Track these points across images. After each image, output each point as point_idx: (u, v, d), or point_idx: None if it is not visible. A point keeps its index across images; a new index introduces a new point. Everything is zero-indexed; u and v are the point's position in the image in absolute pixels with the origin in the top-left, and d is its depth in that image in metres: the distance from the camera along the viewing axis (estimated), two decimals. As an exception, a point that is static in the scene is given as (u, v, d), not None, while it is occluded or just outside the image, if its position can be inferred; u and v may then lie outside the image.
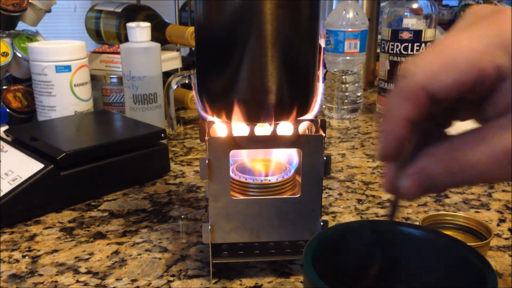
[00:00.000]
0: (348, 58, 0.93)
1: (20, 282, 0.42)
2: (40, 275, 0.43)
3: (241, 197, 0.41)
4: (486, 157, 0.22)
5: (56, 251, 0.47)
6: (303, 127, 0.42)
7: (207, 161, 0.39)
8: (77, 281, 0.42)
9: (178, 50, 0.94)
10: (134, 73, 0.72)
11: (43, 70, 0.71)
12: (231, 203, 0.40)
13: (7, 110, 0.78)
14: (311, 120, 0.43)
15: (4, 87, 0.82)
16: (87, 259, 0.46)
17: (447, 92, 0.23)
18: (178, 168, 0.69)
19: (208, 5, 0.38)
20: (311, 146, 0.39)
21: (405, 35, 0.82)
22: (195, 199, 0.59)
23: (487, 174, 0.23)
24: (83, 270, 0.44)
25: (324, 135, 0.40)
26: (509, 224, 0.52)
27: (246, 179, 0.42)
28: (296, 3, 0.37)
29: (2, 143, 0.60)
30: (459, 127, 0.27)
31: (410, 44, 0.82)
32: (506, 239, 0.49)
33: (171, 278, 0.43)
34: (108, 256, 0.46)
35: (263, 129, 0.41)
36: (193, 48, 1.17)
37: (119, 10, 0.95)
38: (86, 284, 0.42)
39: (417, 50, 0.82)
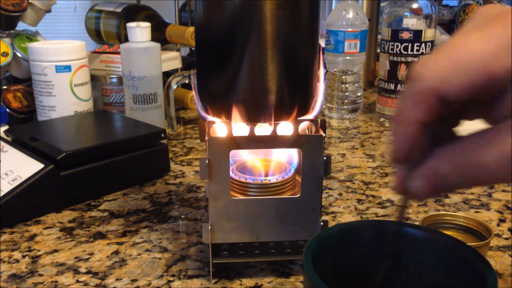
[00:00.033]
0: (348, 58, 0.93)
1: (20, 282, 0.42)
2: (40, 275, 0.43)
3: (241, 197, 0.41)
4: (496, 159, 0.23)
5: (56, 251, 0.47)
6: (303, 127, 0.42)
7: (207, 161, 0.39)
8: (77, 281, 0.42)
9: (178, 50, 0.94)
10: (134, 73, 0.72)
11: (43, 70, 0.71)
12: (231, 203, 0.40)
13: (7, 110, 0.78)
14: (311, 120, 0.43)
15: (4, 87, 0.82)
16: (87, 259, 0.46)
17: (459, 94, 0.23)
18: (178, 168, 0.69)
19: (208, 5, 0.38)
20: (311, 146, 0.39)
21: (405, 35, 0.82)
22: (195, 199, 0.59)
23: (497, 175, 0.23)
24: (83, 270, 0.44)
25: (324, 135, 0.40)
26: (509, 224, 0.52)
27: (246, 179, 0.42)
28: (296, 3, 0.37)
29: (2, 143, 0.60)
30: (467, 126, 0.27)
31: (410, 44, 0.82)
32: (506, 239, 0.49)
33: (171, 278, 0.43)
34: (108, 256, 0.46)
35: (263, 129, 0.41)
36: (193, 48, 1.17)
37: (119, 10, 0.95)
38: (86, 284, 0.42)
39: (417, 50, 0.82)
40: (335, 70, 0.95)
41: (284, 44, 0.38)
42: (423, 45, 0.82)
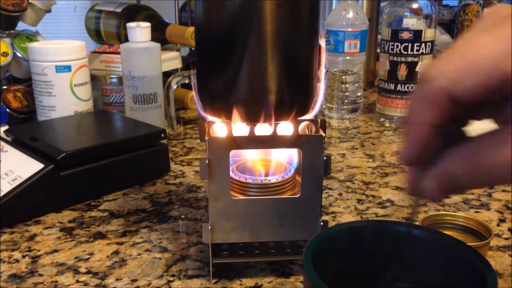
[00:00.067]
0: (348, 58, 0.93)
1: (20, 282, 0.42)
2: (40, 275, 0.43)
3: (241, 197, 0.41)
4: (508, 159, 0.23)
5: (56, 251, 0.47)
6: (303, 127, 0.42)
7: (207, 161, 0.39)
8: (77, 281, 0.42)
9: (178, 50, 0.94)
10: (134, 73, 0.72)
11: (43, 70, 0.71)
12: (231, 203, 0.40)
13: (7, 110, 0.78)
14: (311, 120, 0.43)
15: (4, 87, 0.82)
16: (87, 259, 0.46)
17: (471, 95, 0.23)
18: (178, 168, 0.69)
19: (208, 5, 0.38)
20: (311, 146, 0.39)
21: (405, 35, 0.82)
22: (195, 199, 0.59)
23: (508, 175, 0.23)
24: (83, 270, 0.44)
25: (324, 135, 0.40)
26: (509, 224, 0.52)
27: (246, 179, 0.42)
28: (296, 3, 0.37)
29: (2, 143, 0.60)
30: (476, 126, 0.27)
31: (410, 44, 0.82)
32: (506, 239, 0.49)
33: (171, 278, 0.43)
34: (108, 256, 0.46)
35: (263, 129, 0.41)
36: (193, 48, 1.17)
37: (119, 10, 0.95)
38: (86, 284, 0.42)
39: (417, 50, 0.82)
40: (335, 70, 0.95)
41: (284, 44, 0.38)
42: (423, 45, 0.82)
